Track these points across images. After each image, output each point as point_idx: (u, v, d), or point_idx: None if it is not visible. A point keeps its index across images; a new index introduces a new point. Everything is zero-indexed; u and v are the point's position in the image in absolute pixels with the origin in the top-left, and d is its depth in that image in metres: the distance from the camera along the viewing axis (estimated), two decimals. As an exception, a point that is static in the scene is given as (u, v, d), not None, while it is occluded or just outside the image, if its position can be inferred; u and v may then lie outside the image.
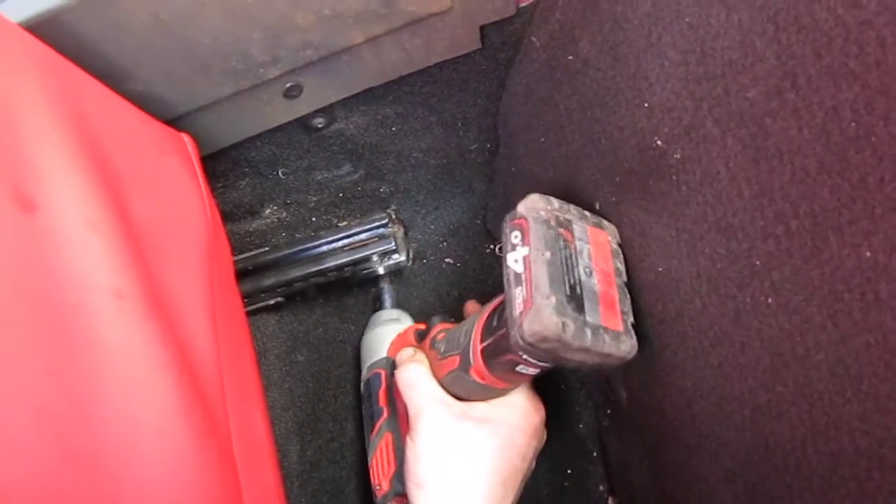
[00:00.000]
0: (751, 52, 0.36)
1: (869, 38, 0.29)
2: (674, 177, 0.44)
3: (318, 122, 0.65)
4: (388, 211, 0.79)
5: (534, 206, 0.47)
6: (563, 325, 0.41)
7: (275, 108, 0.60)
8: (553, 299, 0.42)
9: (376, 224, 0.77)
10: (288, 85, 0.58)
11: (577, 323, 0.42)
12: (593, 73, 0.50)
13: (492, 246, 0.80)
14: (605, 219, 0.52)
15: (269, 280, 0.74)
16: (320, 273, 0.75)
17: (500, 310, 0.49)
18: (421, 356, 0.57)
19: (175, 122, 0.56)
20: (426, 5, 0.54)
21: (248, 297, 0.75)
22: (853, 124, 0.31)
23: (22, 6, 0.46)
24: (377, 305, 0.80)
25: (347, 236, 0.76)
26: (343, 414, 0.77)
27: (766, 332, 0.38)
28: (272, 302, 0.75)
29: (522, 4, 0.57)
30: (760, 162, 0.36)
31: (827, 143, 0.32)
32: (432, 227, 0.81)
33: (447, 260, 0.82)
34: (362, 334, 0.76)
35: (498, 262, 0.79)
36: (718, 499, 0.46)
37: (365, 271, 0.77)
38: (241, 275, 0.74)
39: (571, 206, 0.49)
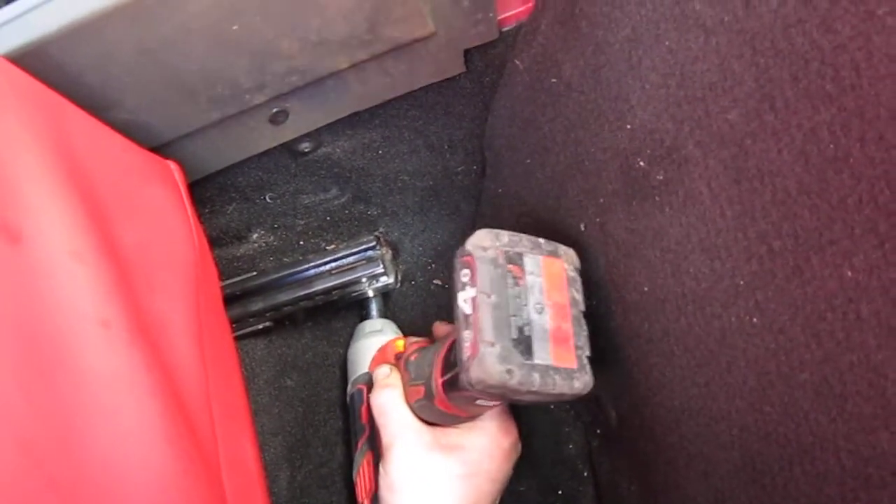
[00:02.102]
0: (729, 76, 0.36)
1: (844, 62, 0.30)
2: (657, 198, 0.44)
3: (305, 146, 0.65)
4: (376, 233, 0.79)
5: (481, 242, 0.46)
6: (508, 371, 0.41)
7: (261, 133, 0.61)
8: (497, 347, 0.42)
9: (364, 247, 0.77)
10: (274, 110, 0.59)
11: (523, 368, 0.42)
12: (576, 95, 0.51)
13: (437, 282, 0.81)
14: (574, 243, 0.52)
15: (257, 305, 0.74)
16: (309, 297, 0.74)
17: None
18: (395, 378, 0.57)
19: (161, 149, 0.56)
20: (410, 31, 0.54)
21: (236, 322, 0.75)
22: (831, 146, 0.31)
23: (5, 37, 0.46)
24: (363, 315, 0.80)
25: (335, 259, 0.76)
26: (333, 439, 0.76)
27: (752, 352, 0.38)
28: (261, 326, 0.75)
29: (505, 28, 0.58)
30: (742, 183, 0.37)
31: (806, 164, 0.33)
32: (420, 248, 0.82)
33: (435, 281, 0.82)
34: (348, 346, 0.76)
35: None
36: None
37: (353, 294, 0.77)
38: (230, 300, 0.74)
39: (524, 237, 0.48)
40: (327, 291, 0.74)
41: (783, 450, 0.38)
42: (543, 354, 0.44)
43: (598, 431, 0.62)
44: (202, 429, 0.42)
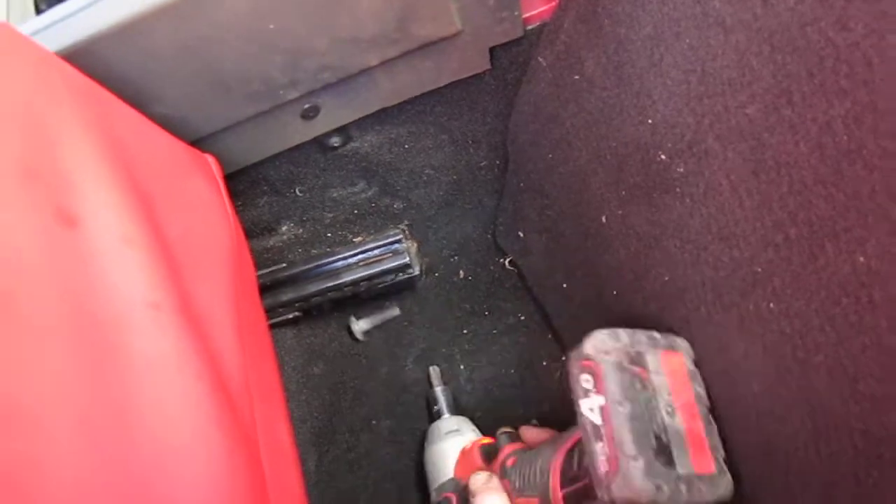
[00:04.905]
0: (748, 72, 0.38)
1: (857, 58, 0.31)
2: (678, 189, 0.46)
3: (334, 141, 0.68)
4: (402, 226, 0.81)
5: (602, 346, 0.43)
6: (657, 487, 0.38)
7: (293, 128, 0.63)
8: (641, 461, 0.38)
9: (390, 240, 0.79)
10: (305, 106, 0.61)
11: (670, 482, 0.38)
12: (599, 91, 0.52)
13: (501, 259, 0.82)
14: (676, 334, 0.48)
15: (286, 295, 0.76)
16: (336, 288, 0.77)
17: (578, 452, 0.46)
18: (496, 483, 0.52)
19: (198, 142, 0.58)
20: (437, 29, 0.56)
21: (266, 312, 0.77)
22: (845, 138, 0.32)
23: (57, 36, 0.49)
24: (433, 413, 0.77)
25: (362, 252, 0.78)
26: (358, 425, 0.79)
27: (769, 338, 0.40)
28: (290, 316, 0.77)
29: (529, 26, 0.60)
30: (760, 174, 0.38)
31: (821, 155, 0.34)
32: (444, 241, 0.84)
33: (459, 273, 0.84)
34: (422, 449, 0.72)
35: (508, 275, 0.81)
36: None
37: (379, 286, 0.79)
38: (260, 290, 0.76)
39: (639, 333, 0.45)
40: (354, 283, 0.77)
41: (798, 432, 0.39)
42: (684, 462, 0.40)
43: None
44: (242, 409, 0.45)
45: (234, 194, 0.69)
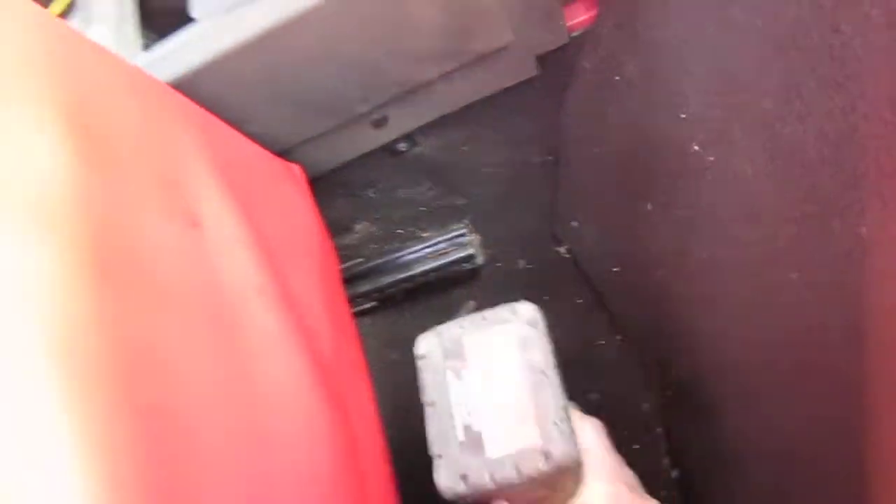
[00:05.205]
0: (764, 70, 0.43)
1: (849, 55, 0.36)
2: (709, 176, 0.51)
3: (402, 146, 0.75)
4: (465, 221, 0.88)
5: (424, 349, 0.45)
6: (463, 477, 0.39)
7: (365, 137, 0.71)
8: (443, 459, 0.40)
9: (455, 233, 0.86)
10: (376, 117, 0.69)
11: (477, 470, 0.39)
12: (637, 90, 0.58)
13: (557, 248, 0.87)
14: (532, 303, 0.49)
15: (363, 287, 0.84)
16: (408, 279, 0.84)
17: None
18: None
19: (285, 153, 0.67)
20: (490, 42, 0.63)
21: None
22: (843, 124, 0.38)
23: (164, 69, 0.58)
24: None
25: (430, 245, 0.85)
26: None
27: (791, 304, 0.45)
28: (367, 306, 0.86)
29: (574, 34, 0.66)
30: (776, 160, 0.43)
31: (825, 140, 0.39)
32: (504, 233, 0.90)
33: (519, 263, 0.91)
34: None
35: (564, 263, 0.87)
36: (765, 458, 0.53)
37: (447, 276, 0.86)
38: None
39: (466, 320, 0.46)
40: (424, 273, 0.84)
41: (817, 386, 0.44)
42: (499, 444, 0.40)
43: (668, 392, 0.69)
44: (334, 376, 0.52)
45: (315, 197, 0.77)
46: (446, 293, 0.90)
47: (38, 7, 0.40)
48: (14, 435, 0.27)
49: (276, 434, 0.45)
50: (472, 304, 0.90)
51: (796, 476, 0.50)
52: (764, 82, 0.43)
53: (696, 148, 0.52)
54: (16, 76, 0.35)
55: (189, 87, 0.57)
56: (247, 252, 0.47)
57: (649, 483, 0.72)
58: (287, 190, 0.58)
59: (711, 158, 0.51)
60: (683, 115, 0.53)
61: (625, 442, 0.75)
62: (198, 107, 0.55)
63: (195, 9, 0.57)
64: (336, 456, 0.49)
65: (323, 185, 0.77)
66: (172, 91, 0.52)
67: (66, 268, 0.31)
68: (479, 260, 0.86)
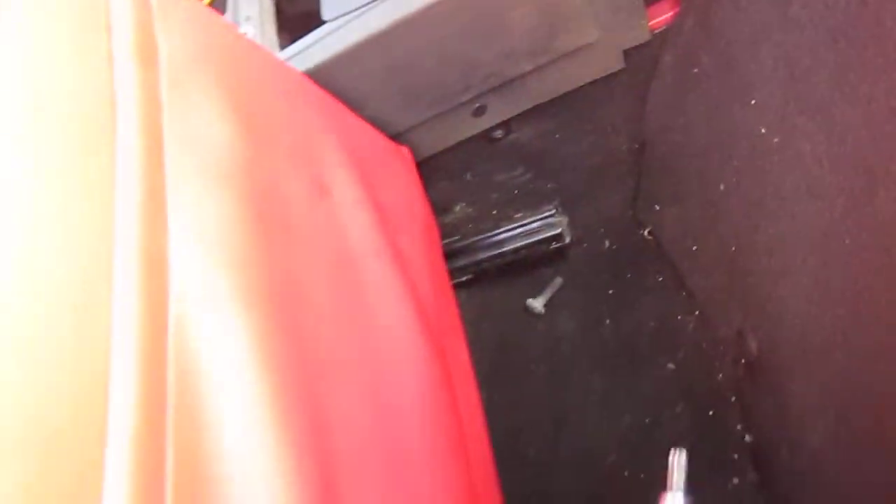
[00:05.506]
0: (819, 59, 0.49)
1: (890, 44, 0.42)
2: (775, 157, 0.57)
3: (498, 133, 0.83)
4: (554, 204, 0.95)
5: None
6: None
7: (465, 124, 0.80)
8: None
9: (545, 215, 0.93)
10: (475, 106, 0.77)
11: None
12: (713, 81, 0.64)
13: (641, 230, 0.94)
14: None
15: (460, 262, 0.94)
16: (501, 256, 0.93)
17: None
18: None
19: (396, 137, 0.77)
20: (579, 39, 0.70)
21: (443, 277, 0.95)
22: (885, 106, 0.43)
23: (302, 62, 0.68)
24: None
25: (522, 225, 0.93)
26: (520, 372, 0.94)
27: (846, 268, 0.50)
28: (463, 279, 0.95)
29: (656, 31, 0.72)
30: (831, 139, 0.49)
31: (871, 120, 0.45)
32: (591, 216, 0.97)
33: (604, 243, 0.97)
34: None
35: (646, 244, 0.93)
36: (822, 415, 0.58)
37: (537, 254, 0.94)
38: (438, 259, 0.94)
39: None
40: (516, 251, 0.92)
41: (871, 340, 0.49)
42: None
43: (743, 361, 0.74)
44: (436, 328, 0.61)
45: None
46: (536, 271, 0.98)
47: (207, 8, 0.51)
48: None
49: (389, 367, 0.54)
50: (559, 280, 0.97)
51: (853, 443, 0.55)
52: (820, 70, 0.49)
53: (764, 131, 0.58)
54: (196, 70, 0.46)
55: (319, 77, 0.67)
56: (366, 215, 0.57)
57: (722, 447, 0.78)
58: (398, 168, 0.68)
59: (776, 140, 0.56)
60: (753, 101, 0.59)
61: (700, 409, 0.81)
62: (327, 94, 0.65)
63: (326, 12, 0.67)
64: (437, 395, 0.58)
65: (426, 169, 0.86)
66: (308, 81, 0.63)
67: (235, 209, 0.41)
68: (567, 239, 0.94)
